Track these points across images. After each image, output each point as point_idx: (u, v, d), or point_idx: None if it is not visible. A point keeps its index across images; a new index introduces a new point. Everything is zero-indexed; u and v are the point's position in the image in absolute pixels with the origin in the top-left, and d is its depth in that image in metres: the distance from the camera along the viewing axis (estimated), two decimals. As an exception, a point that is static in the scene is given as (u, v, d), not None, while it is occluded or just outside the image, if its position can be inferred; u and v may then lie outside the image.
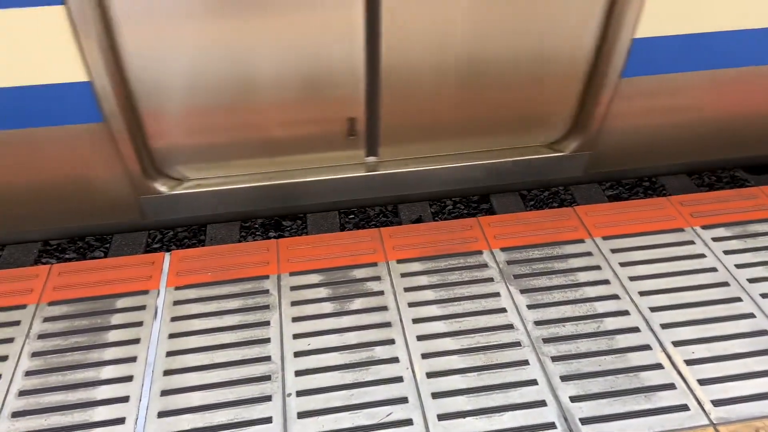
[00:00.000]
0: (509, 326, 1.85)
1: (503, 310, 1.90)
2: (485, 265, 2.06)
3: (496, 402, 1.64)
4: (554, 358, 1.76)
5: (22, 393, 1.66)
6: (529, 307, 1.91)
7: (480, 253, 2.11)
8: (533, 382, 1.70)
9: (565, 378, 1.71)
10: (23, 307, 1.89)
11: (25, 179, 2.08)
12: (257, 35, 1.96)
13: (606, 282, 2.00)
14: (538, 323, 1.86)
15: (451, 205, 3.85)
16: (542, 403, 1.64)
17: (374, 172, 2.34)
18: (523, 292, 1.96)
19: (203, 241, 3.48)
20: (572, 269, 2.04)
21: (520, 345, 1.80)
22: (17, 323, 1.84)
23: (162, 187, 2.21)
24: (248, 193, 2.31)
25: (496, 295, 1.95)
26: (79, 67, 1.85)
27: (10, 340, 1.80)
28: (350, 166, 2.36)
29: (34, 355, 1.76)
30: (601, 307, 1.91)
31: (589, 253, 2.10)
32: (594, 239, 2.15)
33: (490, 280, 2.01)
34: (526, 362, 1.75)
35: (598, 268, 2.05)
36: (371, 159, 2.38)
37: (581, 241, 2.15)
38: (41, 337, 1.81)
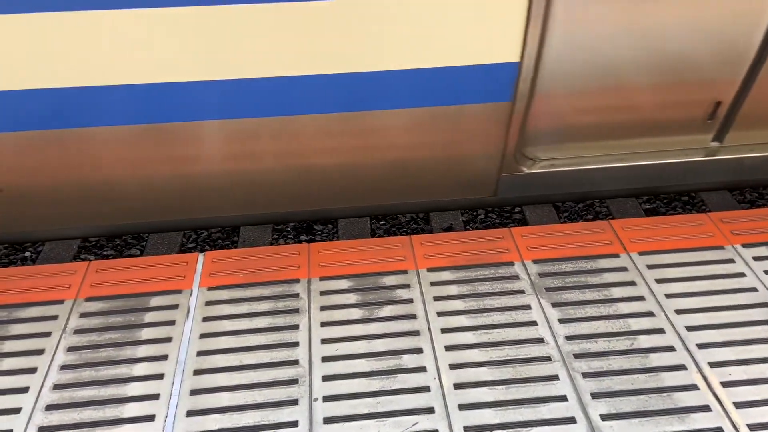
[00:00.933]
0: (539, 340, 1.82)
1: (534, 323, 1.87)
2: (516, 277, 2.04)
3: (524, 417, 1.62)
4: (585, 375, 1.72)
5: (57, 387, 1.70)
6: (561, 321, 1.88)
7: (511, 264, 2.09)
8: (563, 398, 1.67)
9: (596, 395, 1.67)
10: (61, 302, 1.95)
11: (411, 154, 2.23)
12: (667, 15, 2.00)
13: (641, 298, 1.95)
14: (569, 338, 1.83)
15: (483, 214, 3.83)
16: (572, 420, 1.61)
17: (715, 157, 2.37)
18: (554, 305, 1.93)
19: (236, 242, 3.53)
20: (606, 284, 2.00)
21: (551, 359, 1.77)
22: (55, 318, 1.90)
23: (522, 166, 2.34)
24: (607, 174, 2.41)
25: (527, 307, 1.93)
26: (516, 47, 1.97)
27: (47, 334, 1.85)
28: (691, 150, 2.40)
29: (70, 349, 1.80)
30: (636, 324, 1.87)
31: (624, 268, 2.06)
32: (630, 254, 2.11)
33: (521, 292, 1.98)
34: (556, 377, 1.72)
35: (633, 283, 2.00)
36: (714, 144, 2.40)
37: (616, 255, 2.11)
38: (77, 332, 1.85)
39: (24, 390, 1.69)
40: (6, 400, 1.66)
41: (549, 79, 2.16)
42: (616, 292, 1.97)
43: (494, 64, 2.04)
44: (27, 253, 3.42)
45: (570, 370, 1.74)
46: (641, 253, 2.11)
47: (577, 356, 1.77)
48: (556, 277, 2.03)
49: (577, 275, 2.03)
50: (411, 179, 2.48)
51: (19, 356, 1.78)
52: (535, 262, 2.09)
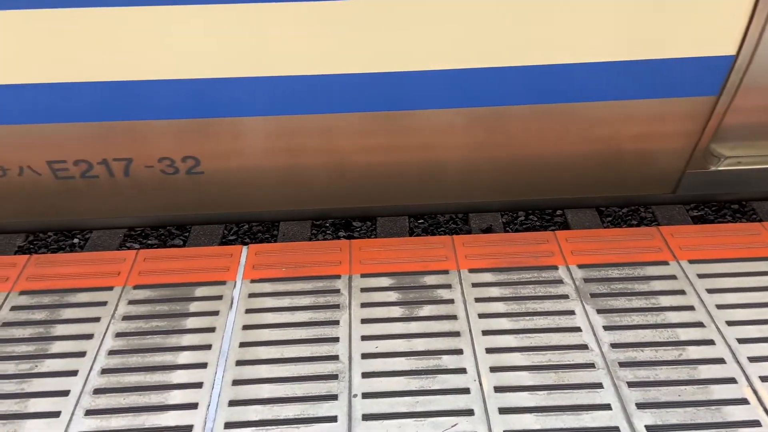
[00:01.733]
0: (583, 346, 1.79)
1: (578, 329, 1.84)
2: (560, 281, 2.00)
3: (565, 424, 1.59)
4: (630, 384, 1.68)
5: (105, 371, 1.75)
6: (606, 328, 1.84)
7: (555, 268, 2.05)
8: (607, 407, 1.63)
9: (641, 405, 1.63)
10: (110, 288, 2.00)
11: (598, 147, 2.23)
12: None
13: (690, 308, 1.89)
14: (614, 346, 1.79)
15: (523, 216, 3.77)
16: (616, 430, 1.58)
17: None
18: (599, 312, 1.89)
19: (276, 236, 3.57)
20: (654, 292, 1.95)
21: (595, 367, 1.73)
22: (104, 304, 1.95)
23: (709, 163, 2.33)
24: None
25: (571, 313, 1.89)
26: (735, 41, 1.98)
27: (96, 320, 1.90)
28: None
29: (118, 335, 1.85)
30: (684, 334, 1.82)
31: (673, 277, 2.00)
32: (679, 262, 2.05)
33: (565, 297, 1.95)
34: (599, 385, 1.68)
35: (682, 292, 1.94)
36: None
37: (665, 263, 2.05)
38: (125, 318, 1.90)
39: (73, 373, 1.74)
40: (56, 383, 1.71)
41: (759, 74, 2.10)
42: (665, 301, 1.92)
43: (705, 57, 2.00)
44: (75, 240, 3.53)
45: (615, 378, 1.70)
46: (692, 262, 2.05)
47: (622, 365, 1.73)
48: (602, 283, 1.99)
49: (624, 282, 1.99)
50: (575, 175, 2.43)
51: (69, 340, 1.83)
52: (580, 266, 2.05)
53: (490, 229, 3.60)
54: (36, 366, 1.75)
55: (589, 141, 2.30)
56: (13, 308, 1.93)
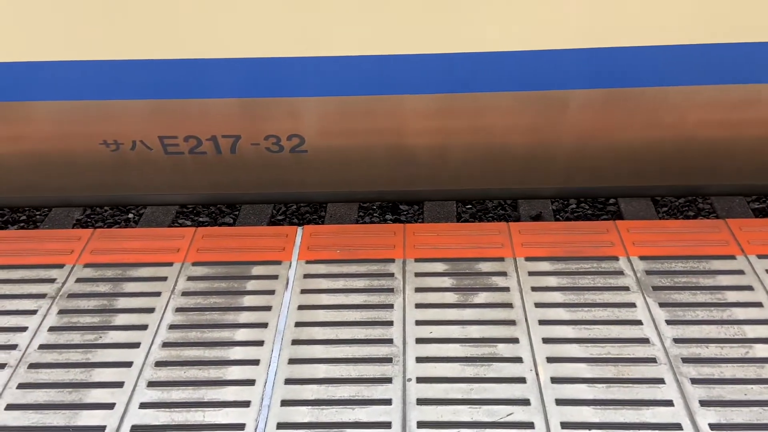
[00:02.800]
0: (644, 340, 1.74)
1: (638, 323, 1.79)
2: (621, 273, 1.95)
3: (625, 418, 1.56)
4: (694, 381, 1.63)
5: (165, 344, 1.80)
6: (669, 322, 1.79)
7: (615, 259, 2.00)
8: (668, 403, 1.59)
9: (705, 403, 1.58)
10: (170, 264, 2.05)
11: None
12: None
13: (759, 305, 1.82)
14: (677, 341, 1.74)
15: (574, 204, 3.69)
16: (677, 427, 1.53)
17: None
18: (662, 305, 1.84)
19: (323, 218, 3.59)
20: (720, 287, 1.88)
21: (656, 361, 1.69)
22: (164, 279, 2.00)
23: None
24: None
25: (632, 305, 1.84)
26: None
27: (157, 294, 1.95)
28: None
29: (178, 310, 1.89)
30: (752, 331, 1.75)
31: (740, 272, 1.92)
32: (747, 257, 1.97)
33: (626, 289, 1.90)
34: (661, 381, 1.64)
35: (750, 288, 1.87)
36: None
37: (732, 257, 1.97)
38: (185, 294, 1.94)
39: (136, 345, 1.79)
40: (119, 354, 1.77)
41: None
42: (731, 296, 1.85)
43: None
44: (130, 215, 3.62)
45: (677, 374, 1.65)
46: (760, 257, 1.97)
47: (685, 360, 1.68)
48: (665, 275, 1.93)
49: (688, 275, 1.92)
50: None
51: (131, 313, 1.89)
52: (642, 258, 1.99)
53: (540, 216, 3.54)
54: (100, 337, 1.81)
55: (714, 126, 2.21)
56: (78, 280, 1.99)
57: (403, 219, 3.58)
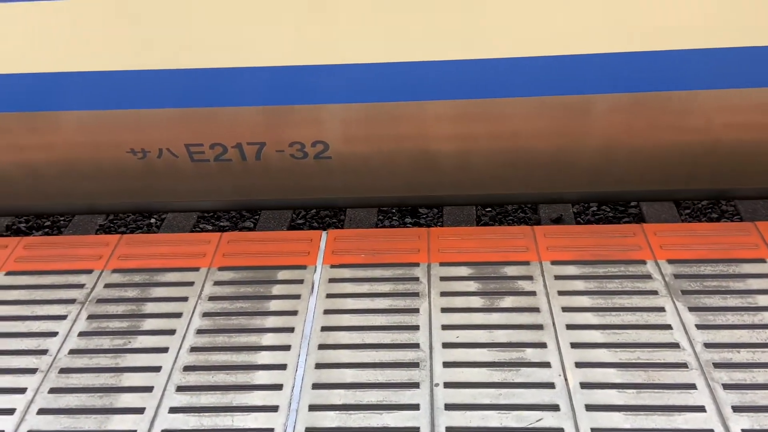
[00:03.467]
0: (674, 345, 1.72)
1: (668, 327, 1.77)
2: (649, 277, 1.93)
3: (657, 424, 1.54)
4: (726, 386, 1.61)
5: (193, 349, 1.81)
6: (699, 327, 1.77)
7: (643, 263, 1.98)
8: (700, 409, 1.57)
9: (737, 409, 1.56)
10: (197, 269, 2.06)
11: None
12: None
13: (791, 309, 1.79)
14: (708, 345, 1.71)
15: (595, 207, 3.67)
16: (710, 433, 1.51)
17: None
18: (691, 310, 1.81)
19: (343, 221, 3.60)
20: (751, 291, 1.85)
21: (687, 367, 1.66)
22: (191, 284, 2.01)
23: None
24: None
25: (661, 309, 1.82)
26: None
27: (184, 299, 1.96)
28: None
29: (205, 315, 1.91)
30: (785, 336, 1.72)
31: (771, 275, 1.90)
32: (779, 260, 1.94)
33: (654, 293, 1.88)
34: (692, 386, 1.62)
35: (782, 292, 1.84)
36: None
37: (762, 260, 1.94)
38: (211, 299, 1.96)
39: (164, 350, 1.80)
40: (148, 359, 1.78)
41: None
42: (763, 301, 1.82)
43: None
44: (152, 220, 3.66)
45: (709, 379, 1.63)
46: (792, 260, 1.94)
47: (717, 366, 1.66)
48: (694, 279, 1.90)
49: (718, 279, 1.90)
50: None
51: (159, 318, 1.90)
52: (670, 262, 1.97)
53: (561, 219, 3.51)
54: (129, 342, 1.83)
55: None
56: (107, 285, 2.02)
57: (422, 222, 3.58)
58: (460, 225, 3.43)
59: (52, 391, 1.70)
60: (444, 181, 2.46)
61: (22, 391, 1.70)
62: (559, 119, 2.22)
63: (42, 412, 1.65)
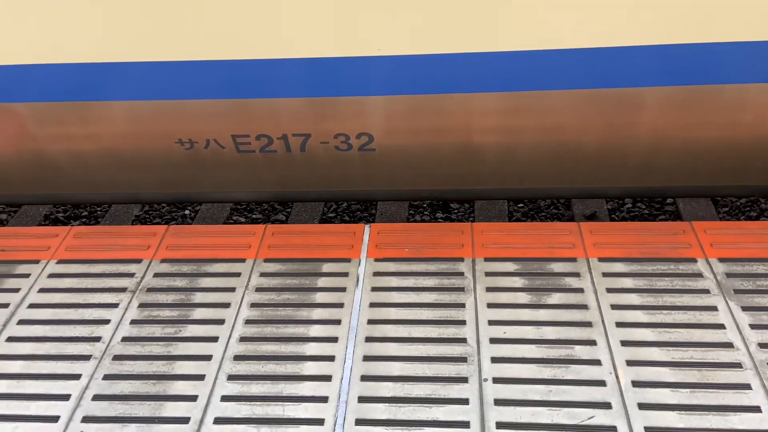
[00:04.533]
0: (728, 345, 1.70)
1: (721, 326, 1.75)
2: (700, 275, 1.90)
3: (712, 424, 1.52)
4: (783, 388, 1.59)
5: (243, 339, 1.83)
6: (752, 326, 1.74)
7: (693, 261, 1.95)
8: (756, 409, 1.54)
9: (796, 411, 1.53)
10: (243, 260, 2.08)
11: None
12: None
13: None
14: (762, 345, 1.69)
15: (630, 204, 3.62)
16: (768, 435, 1.49)
17: None
18: (745, 309, 1.79)
19: (374, 215, 3.60)
20: (806, 291, 1.82)
21: (741, 367, 1.64)
22: (238, 275, 2.03)
23: None
24: None
25: (713, 308, 1.80)
26: None
27: (231, 290, 1.98)
28: None
29: (253, 305, 1.93)
30: (843, 338, 1.69)
31: (827, 276, 1.86)
32: (835, 260, 1.90)
33: (706, 291, 1.85)
34: (747, 386, 1.59)
35: (838, 293, 1.81)
36: None
37: (817, 260, 1.91)
38: (258, 290, 1.98)
39: (214, 339, 1.83)
40: (199, 347, 1.81)
41: None
42: (819, 302, 1.79)
43: None
44: (186, 211, 3.70)
45: (764, 380, 1.60)
46: None
47: (772, 367, 1.63)
48: (746, 278, 1.87)
49: (772, 279, 1.86)
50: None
51: (208, 307, 1.93)
52: (721, 260, 1.94)
53: (595, 215, 3.48)
54: (180, 330, 1.86)
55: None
56: (156, 275, 2.04)
57: (454, 217, 3.57)
58: (492, 220, 3.42)
59: (106, 377, 1.73)
60: (486, 175, 2.45)
61: (77, 377, 1.74)
62: (602, 112, 2.20)
63: (96, 398, 1.68)
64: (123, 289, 2.00)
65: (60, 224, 3.54)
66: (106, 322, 1.89)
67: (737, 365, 1.65)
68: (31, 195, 2.69)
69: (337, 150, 2.34)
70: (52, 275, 2.07)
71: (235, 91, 2.17)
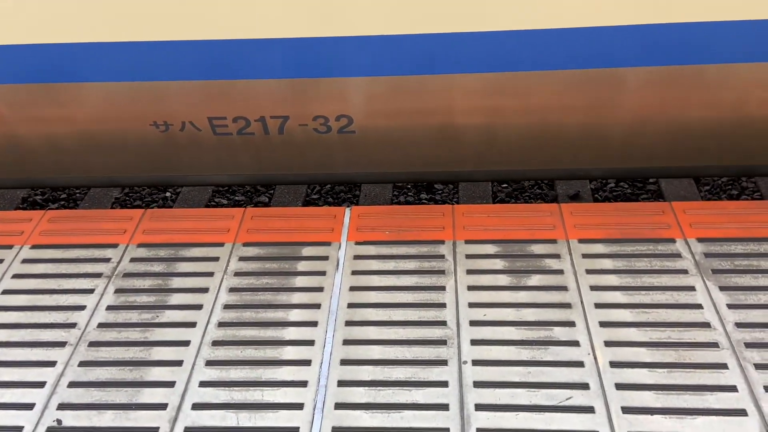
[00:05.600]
0: (705, 324, 1.71)
1: (698, 306, 1.76)
2: (678, 255, 1.91)
3: (688, 404, 1.54)
4: (758, 366, 1.60)
5: (221, 324, 1.81)
6: (730, 306, 1.75)
7: (672, 241, 1.96)
8: (732, 389, 1.56)
9: (770, 390, 1.55)
10: (221, 245, 2.06)
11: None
12: None
13: (824, 290, 1.77)
14: (739, 325, 1.70)
15: (612, 183, 3.63)
16: (742, 412, 1.51)
17: None
18: (722, 289, 1.80)
19: (358, 197, 3.58)
20: (783, 271, 1.83)
21: (718, 346, 1.66)
22: (216, 259, 2.01)
23: None
24: None
25: (691, 289, 1.81)
26: None
27: (210, 274, 1.96)
28: None
29: (231, 290, 1.91)
30: (817, 317, 1.71)
31: (803, 255, 1.87)
32: (811, 240, 1.92)
33: (684, 272, 1.86)
34: (724, 366, 1.61)
35: (814, 273, 1.82)
36: None
37: (794, 240, 1.92)
38: (237, 274, 1.95)
39: (192, 325, 1.81)
40: (177, 333, 1.79)
41: None
42: (795, 281, 1.80)
43: None
44: (167, 194, 3.66)
45: (740, 359, 1.62)
46: (824, 240, 1.91)
47: (748, 345, 1.65)
48: (724, 258, 1.88)
49: (749, 258, 1.88)
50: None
51: (186, 293, 1.90)
52: (700, 240, 1.95)
53: (578, 195, 3.49)
54: (157, 316, 1.84)
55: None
56: (133, 260, 2.01)
57: (438, 198, 3.56)
58: (476, 201, 3.42)
59: (82, 364, 1.71)
60: (467, 156, 2.43)
61: (52, 364, 1.72)
62: (584, 93, 2.18)
63: (72, 385, 1.66)
64: (99, 275, 1.97)
65: (38, 207, 3.48)
66: (82, 308, 1.87)
67: (714, 345, 1.66)
68: (3, 179, 2.63)
69: (316, 132, 2.30)
70: (25, 261, 2.03)
71: (210, 72, 2.12)
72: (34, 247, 2.08)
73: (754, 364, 1.61)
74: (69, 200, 3.55)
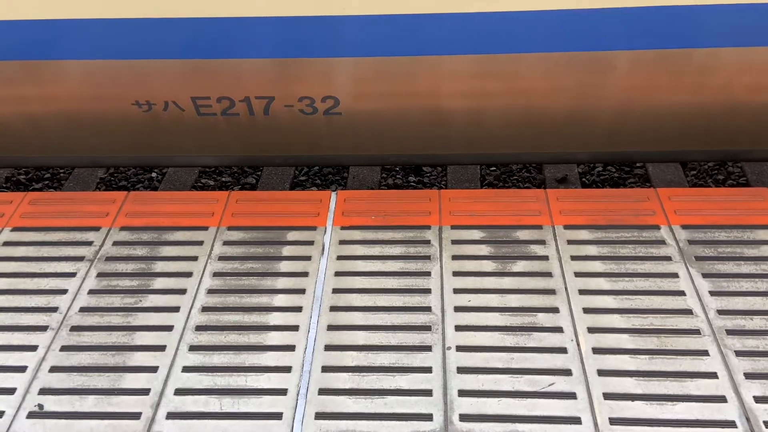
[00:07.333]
0: (687, 311, 1.72)
1: (681, 293, 1.77)
2: (662, 242, 1.92)
3: (669, 390, 1.55)
4: (738, 353, 1.62)
5: (205, 309, 1.80)
6: (712, 293, 1.76)
7: (657, 228, 1.96)
8: (712, 375, 1.58)
9: (750, 376, 1.57)
10: (205, 228, 2.04)
11: None
12: None
13: (805, 277, 1.79)
14: (721, 312, 1.72)
15: (600, 167, 3.63)
16: (722, 399, 1.53)
17: None
18: (705, 276, 1.81)
19: (346, 179, 3.56)
20: (765, 258, 1.84)
21: (700, 333, 1.67)
22: (200, 243, 1.99)
23: None
24: None
25: (674, 275, 1.82)
26: None
27: (194, 258, 1.95)
28: None
29: (215, 275, 1.89)
30: (798, 304, 1.73)
31: (786, 243, 1.89)
32: (794, 228, 1.93)
33: (668, 258, 1.87)
34: (705, 353, 1.62)
35: (796, 260, 1.84)
36: None
37: (777, 228, 1.93)
38: (221, 258, 1.94)
39: (175, 309, 1.80)
40: (160, 318, 1.78)
41: None
42: (777, 268, 1.82)
43: None
44: (153, 174, 3.62)
45: (721, 346, 1.64)
46: (807, 228, 1.92)
47: (729, 332, 1.66)
48: (708, 245, 1.89)
49: (732, 245, 1.89)
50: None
51: (169, 277, 1.89)
52: (684, 227, 1.95)
53: (566, 179, 3.49)
54: (140, 300, 1.82)
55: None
56: (115, 243, 1.99)
57: (426, 181, 3.55)
58: (464, 184, 3.41)
59: (64, 349, 1.70)
60: (455, 139, 2.42)
61: (33, 348, 1.70)
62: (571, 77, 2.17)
63: (54, 369, 1.65)
64: (81, 258, 1.95)
65: (22, 187, 3.43)
66: (63, 292, 1.85)
67: (696, 332, 1.67)
68: None
69: (302, 114, 2.27)
70: (6, 243, 2.01)
71: (193, 50, 2.08)
72: (14, 229, 2.05)
73: (735, 351, 1.62)
74: (53, 180, 3.50)
